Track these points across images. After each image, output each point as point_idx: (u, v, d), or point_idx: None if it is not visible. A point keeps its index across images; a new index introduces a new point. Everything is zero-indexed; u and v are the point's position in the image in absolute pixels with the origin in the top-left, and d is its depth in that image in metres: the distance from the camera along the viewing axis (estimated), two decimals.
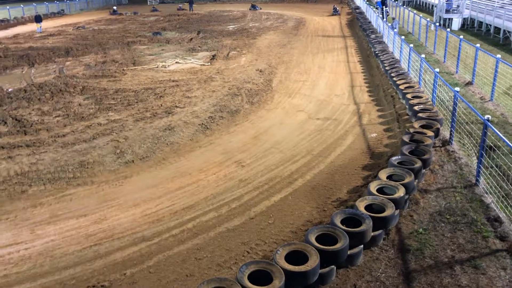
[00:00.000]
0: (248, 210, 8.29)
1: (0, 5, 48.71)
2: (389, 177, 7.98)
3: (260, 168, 10.11)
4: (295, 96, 15.77)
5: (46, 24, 36.22)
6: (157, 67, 20.39)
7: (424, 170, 8.61)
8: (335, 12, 42.41)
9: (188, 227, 7.79)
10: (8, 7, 43.59)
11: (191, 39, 28.56)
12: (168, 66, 20.61)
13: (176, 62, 21.34)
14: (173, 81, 17.58)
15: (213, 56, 22.53)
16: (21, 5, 45.79)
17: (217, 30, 32.72)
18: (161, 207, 8.51)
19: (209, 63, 21.00)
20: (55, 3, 50.52)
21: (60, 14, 48.56)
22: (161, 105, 14.46)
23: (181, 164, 10.53)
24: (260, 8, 48.11)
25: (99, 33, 32.49)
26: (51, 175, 9.89)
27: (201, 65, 20.78)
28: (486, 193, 7.71)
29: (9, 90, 16.58)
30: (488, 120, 7.87)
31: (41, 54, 23.54)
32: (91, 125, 12.79)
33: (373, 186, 7.58)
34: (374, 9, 32.17)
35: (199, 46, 25.61)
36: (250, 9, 46.94)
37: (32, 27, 35.09)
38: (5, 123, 13.07)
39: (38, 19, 35.00)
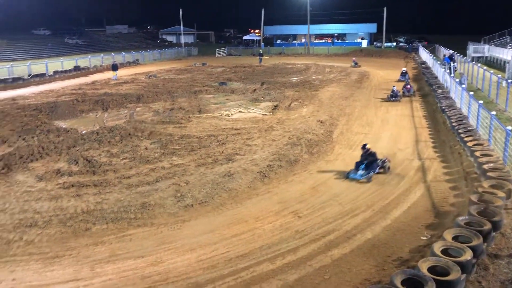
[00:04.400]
0: (303, 264, 8.06)
1: (83, 54, 53.14)
2: (455, 238, 7.50)
3: (317, 220, 9.90)
4: (356, 149, 15.51)
5: (122, 72, 38.87)
6: (221, 115, 21.05)
7: (494, 233, 8.02)
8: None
9: (242, 276, 7.68)
10: (89, 56, 47.42)
11: (255, 89, 29.38)
12: (232, 114, 21.21)
13: (239, 111, 21.94)
14: (235, 129, 18.01)
15: (275, 106, 22.97)
16: (101, 55, 49.66)
17: (281, 81, 33.49)
18: (216, 254, 8.49)
19: (270, 113, 21.39)
20: (131, 53, 54.39)
21: (135, 63, 52.06)
22: (223, 152, 14.78)
23: (238, 211, 10.56)
24: (359, 65, 44.75)
25: (169, 81, 34.34)
26: (114, 214, 10.26)
27: (263, 114, 21.20)
28: None
29: (83, 132, 17.73)
30: None
31: (114, 100, 25.14)
32: (155, 168, 13.26)
33: (437, 247, 7.14)
34: (442, 65, 31.62)
35: (262, 97, 26.25)
36: (352, 66, 44.69)
37: (109, 74, 37.78)
38: (77, 163, 13.87)
39: (114, 67, 37.71)
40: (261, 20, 71.60)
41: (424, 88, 29.09)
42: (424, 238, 8.63)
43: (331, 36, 78.92)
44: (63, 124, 19.48)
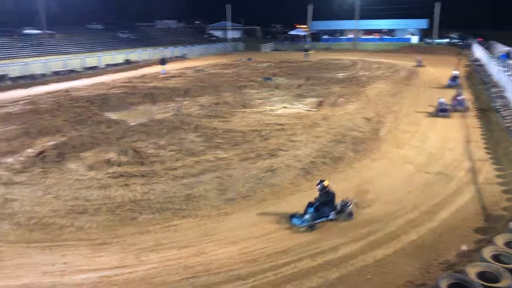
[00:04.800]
0: (344, 262, 7.98)
1: (133, 48, 54.69)
2: (507, 244, 7.18)
3: (360, 219, 9.74)
4: (403, 147, 15.15)
5: (170, 67, 39.68)
6: (265, 110, 21.10)
7: None
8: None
9: (283, 271, 7.70)
10: (139, 50, 48.75)
11: (300, 85, 29.21)
12: (276, 110, 21.21)
13: (283, 107, 21.89)
14: (279, 124, 18.00)
15: (320, 102, 22.75)
16: (151, 49, 50.93)
17: (326, 77, 33.11)
18: (258, 248, 8.55)
19: (315, 109, 21.21)
20: (179, 47, 55.40)
21: (183, 57, 53.01)
22: (266, 147, 14.83)
23: (279, 207, 10.57)
24: (424, 65, 39.87)
25: (214, 76, 34.76)
26: (160, 205, 10.55)
27: (307, 110, 21.06)
28: None
29: (132, 124, 18.26)
30: None
31: (163, 93, 25.76)
32: (200, 161, 13.50)
33: (487, 252, 6.89)
34: (498, 62, 30.21)
35: (307, 92, 26.07)
36: (415, 65, 39.79)
37: (158, 68, 38.67)
38: (126, 153, 14.32)
39: (163, 61, 38.58)
40: (308, 15, 71.00)
41: (477, 87, 27.89)
42: (464, 249, 8.25)
43: (379, 31, 77.06)
44: (113, 115, 20.15)
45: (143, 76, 35.72)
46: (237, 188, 11.49)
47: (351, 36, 72.96)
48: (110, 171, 12.74)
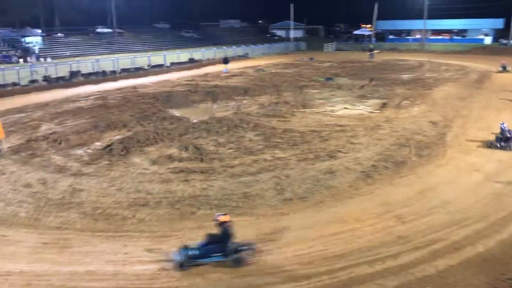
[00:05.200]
0: (404, 271, 7.66)
1: (197, 47, 56.03)
2: None
3: (422, 227, 9.32)
4: (471, 154, 14.34)
5: (232, 66, 40.23)
6: (325, 111, 20.81)
7: None
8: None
9: (339, 276, 7.53)
10: (203, 49, 49.85)
11: (363, 86, 28.54)
12: (337, 111, 20.86)
13: (344, 108, 21.48)
14: (339, 125, 17.68)
15: (384, 104, 22.09)
16: (214, 48, 51.93)
17: (391, 78, 32.11)
18: (313, 250, 8.43)
19: (378, 111, 20.62)
20: (241, 47, 56.06)
21: (245, 57, 53.58)
22: (325, 148, 14.61)
23: (338, 209, 10.36)
24: (509, 71, 34.94)
25: (275, 75, 34.81)
26: (218, 201, 10.70)
27: (369, 112, 20.52)
28: None
29: (194, 121, 18.70)
30: None
31: (223, 92, 26.18)
32: (257, 160, 13.55)
33: None
34: None
35: (370, 94, 25.42)
36: (499, 70, 35.05)
37: (220, 67, 39.34)
38: (187, 149, 14.68)
39: (225, 60, 39.20)
40: (373, 15, 69.26)
41: None
42: None
43: (449, 32, 73.63)
44: (176, 112, 20.73)
45: (205, 74, 36.47)
46: (294, 188, 11.41)
47: (418, 36, 70.33)
48: (172, 166, 13.11)
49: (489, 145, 14.92)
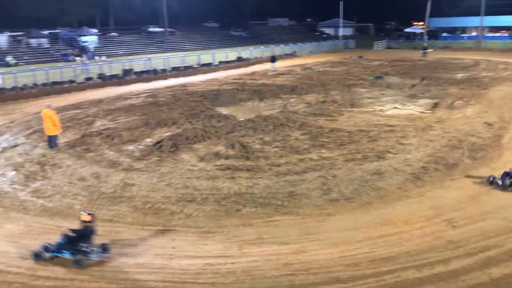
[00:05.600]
0: (454, 278, 7.38)
1: (245, 46, 56.43)
2: None
3: (475, 233, 8.94)
4: None
5: (279, 64, 40.17)
6: (374, 110, 20.40)
7: None
8: None
9: (385, 279, 7.37)
10: (251, 48, 50.14)
11: (414, 85, 27.72)
12: (386, 110, 20.39)
13: (394, 107, 20.95)
14: (388, 125, 17.28)
15: (435, 104, 21.36)
16: (262, 47, 52.11)
17: (444, 77, 30.98)
18: (360, 252, 8.29)
19: (429, 111, 19.96)
20: (289, 45, 55.90)
21: (292, 55, 53.40)
22: (373, 149, 14.33)
23: (385, 211, 10.14)
24: None
25: (323, 74, 34.48)
26: (263, 199, 10.75)
27: (420, 112, 19.91)
28: None
29: (241, 119, 18.86)
30: None
31: (270, 90, 26.22)
32: (304, 159, 13.48)
33: None
34: None
35: (421, 93, 24.66)
36: None
37: (267, 66, 39.42)
38: (233, 147, 14.83)
39: (273, 59, 39.24)
40: (426, 12, 67.01)
41: None
42: None
43: (508, 28, 69.98)
44: (224, 110, 21.00)
45: (253, 73, 36.66)
46: (341, 189, 11.27)
47: (474, 33, 67.36)
48: (218, 163, 13.30)
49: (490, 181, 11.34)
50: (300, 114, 19.62)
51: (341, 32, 72.50)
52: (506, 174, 11.26)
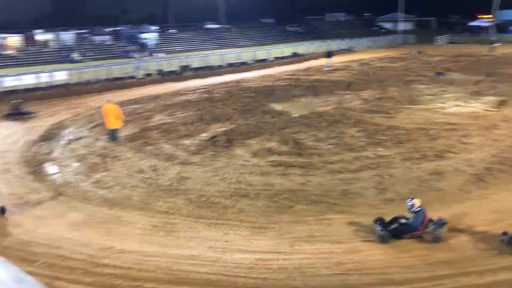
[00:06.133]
0: None
1: (301, 41, 56.05)
2: None
3: None
4: None
5: (335, 60, 39.50)
6: (434, 108, 19.58)
7: None
8: None
9: (444, 283, 7.08)
10: (306, 43, 49.71)
11: (478, 81, 26.28)
12: (447, 108, 19.51)
13: (456, 105, 20.00)
14: (449, 124, 16.53)
15: (502, 101, 20.15)
16: (317, 42, 51.54)
17: (511, 73, 29.18)
18: (417, 254, 8.04)
19: (495, 109, 18.88)
20: (345, 40, 54.86)
21: (349, 50, 52.36)
22: (433, 148, 13.78)
23: (445, 213, 9.69)
24: None
25: (380, 70, 33.53)
26: (315, 197, 10.65)
27: (485, 110, 18.87)
28: None
29: (294, 115, 18.76)
30: None
31: (325, 86, 25.87)
32: (359, 157, 13.21)
33: None
34: None
35: (486, 90, 23.34)
36: None
37: (322, 61, 38.89)
38: (286, 143, 14.79)
39: (329, 54, 38.65)
40: (492, 4, 63.37)
41: None
42: None
43: None
44: (277, 106, 20.97)
45: (307, 69, 36.32)
46: (397, 188, 10.94)
47: None
48: (271, 159, 13.32)
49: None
50: (355, 110, 19.22)
51: (401, 26, 70.20)
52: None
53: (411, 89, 24.52)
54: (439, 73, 29.93)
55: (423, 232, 8.51)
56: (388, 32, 75.54)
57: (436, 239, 8.37)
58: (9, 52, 43.12)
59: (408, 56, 44.02)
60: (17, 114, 20.15)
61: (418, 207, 8.69)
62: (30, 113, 20.60)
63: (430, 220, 8.61)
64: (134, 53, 43.93)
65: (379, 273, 7.47)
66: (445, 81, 26.71)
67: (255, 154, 13.89)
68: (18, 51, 43.88)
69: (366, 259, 7.92)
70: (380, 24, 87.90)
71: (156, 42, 55.75)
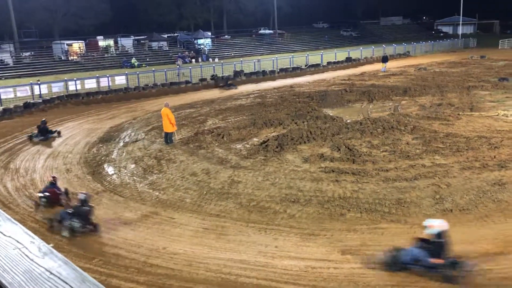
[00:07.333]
0: None
1: (355, 46, 55.15)
2: None
3: None
4: None
5: (391, 64, 38.61)
6: (497, 115, 18.61)
7: None
8: None
9: None
10: (361, 48, 48.86)
11: None
12: (511, 115, 18.47)
13: None
14: None
15: None
16: (372, 47, 50.51)
17: None
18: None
19: None
20: (402, 45, 53.42)
21: (406, 55, 50.94)
22: (494, 157, 13.08)
23: (507, 226, 9.19)
24: None
25: (439, 75, 32.34)
26: (368, 205, 10.40)
27: None
28: None
29: (347, 121, 18.46)
30: None
31: (380, 92, 25.26)
32: (414, 165, 12.77)
33: None
34: None
35: None
36: None
37: (378, 66, 38.09)
38: (339, 150, 14.57)
39: (384, 59, 37.79)
40: None
41: None
42: None
43: None
44: (330, 112, 20.74)
45: (362, 73, 35.70)
46: (455, 199, 10.47)
47: None
48: (323, 166, 13.17)
49: None
50: (412, 117, 18.62)
51: (461, 30, 67.45)
52: None
53: (472, 95, 23.47)
54: (503, 79, 28.45)
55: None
56: (447, 36, 72.81)
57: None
58: (73, 57, 45.61)
59: (469, 61, 42.17)
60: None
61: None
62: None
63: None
64: (177, 61, 45.02)
65: (436, 286, 7.16)
66: (509, 87, 25.33)
67: (306, 160, 13.79)
68: (81, 57, 46.32)
69: (421, 272, 7.61)
70: (439, 27, 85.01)
71: (211, 48, 56.88)
